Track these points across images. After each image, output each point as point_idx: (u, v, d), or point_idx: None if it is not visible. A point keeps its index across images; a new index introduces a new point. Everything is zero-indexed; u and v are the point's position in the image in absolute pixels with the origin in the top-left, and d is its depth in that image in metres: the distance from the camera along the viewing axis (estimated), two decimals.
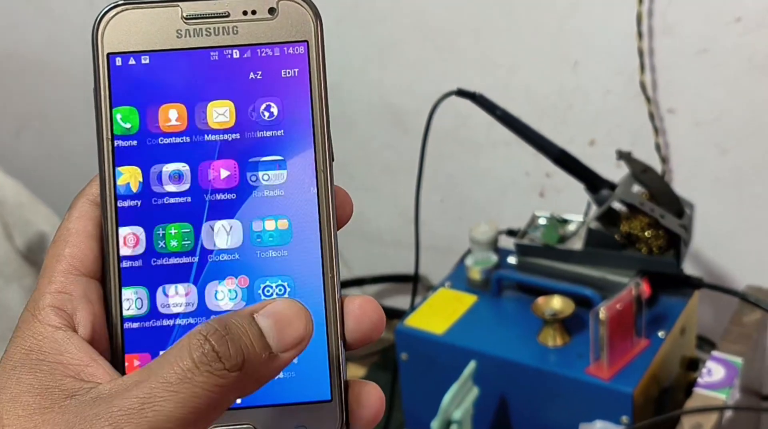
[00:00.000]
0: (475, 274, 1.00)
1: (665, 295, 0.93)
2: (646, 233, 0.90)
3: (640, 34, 1.01)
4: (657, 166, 1.05)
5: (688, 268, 1.05)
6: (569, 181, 0.94)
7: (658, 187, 0.92)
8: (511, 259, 1.00)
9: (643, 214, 0.90)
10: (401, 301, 1.40)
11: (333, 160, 0.34)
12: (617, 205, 0.93)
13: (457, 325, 0.94)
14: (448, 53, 1.18)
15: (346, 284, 1.37)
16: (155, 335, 0.33)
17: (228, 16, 0.34)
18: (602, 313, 0.80)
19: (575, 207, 1.00)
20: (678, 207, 0.92)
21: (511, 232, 1.06)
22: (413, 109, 1.23)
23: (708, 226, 1.04)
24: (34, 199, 1.24)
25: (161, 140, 0.34)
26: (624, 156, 0.93)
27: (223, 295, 0.33)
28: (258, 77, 0.34)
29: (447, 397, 0.82)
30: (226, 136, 0.34)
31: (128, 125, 0.34)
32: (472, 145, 1.22)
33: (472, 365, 0.86)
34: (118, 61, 0.33)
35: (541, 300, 0.90)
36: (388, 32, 1.21)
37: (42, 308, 0.31)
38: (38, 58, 1.60)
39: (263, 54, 0.34)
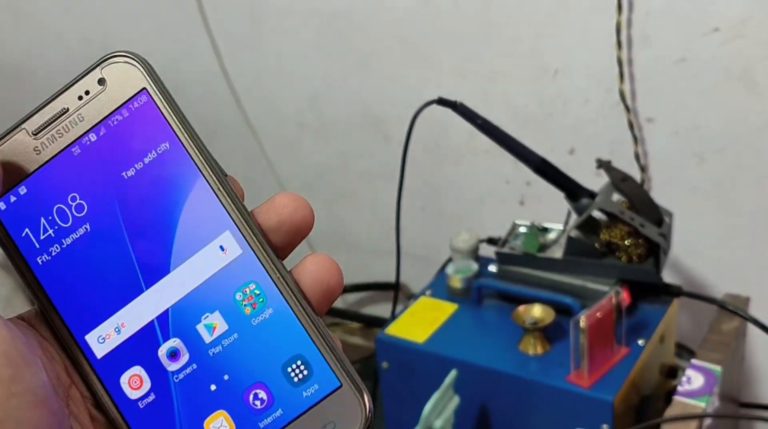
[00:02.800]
0: (456, 282, 1.00)
1: (645, 304, 0.93)
2: (625, 242, 0.90)
3: (619, 44, 1.02)
4: (636, 174, 1.06)
5: (668, 277, 1.05)
6: (549, 189, 0.94)
7: (637, 196, 0.92)
8: (492, 268, 1.00)
9: (623, 222, 0.90)
10: (382, 310, 1.40)
11: (226, 176, 0.35)
12: (597, 214, 0.93)
13: (437, 334, 0.94)
14: (428, 62, 1.18)
15: None
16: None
17: (68, 110, 0.35)
18: (582, 321, 0.80)
19: (555, 216, 1.01)
20: (657, 216, 0.92)
21: (491, 241, 1.06)
22: (394, 118, 1.24)
23: (687, 234, 1.04)
24: None
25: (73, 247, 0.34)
26: (603, 165, 0.94)
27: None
28: (124, 143, 0.35)
29: (428, 406, 0.81)
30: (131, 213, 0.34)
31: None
32: (452, 153, 1.23)
33: (453, 374, 0.86)
34: (2, 206, 0.34)
35: (521, 308, 0.90)
36: (368, 42, 1.21)
37: None
38: (12, 64, 1.59)
39: (115, 122, 0.35)
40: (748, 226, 1.05)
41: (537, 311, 0.89)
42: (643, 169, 1.08)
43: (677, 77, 1.02)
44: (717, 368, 0.86)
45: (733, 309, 0.95)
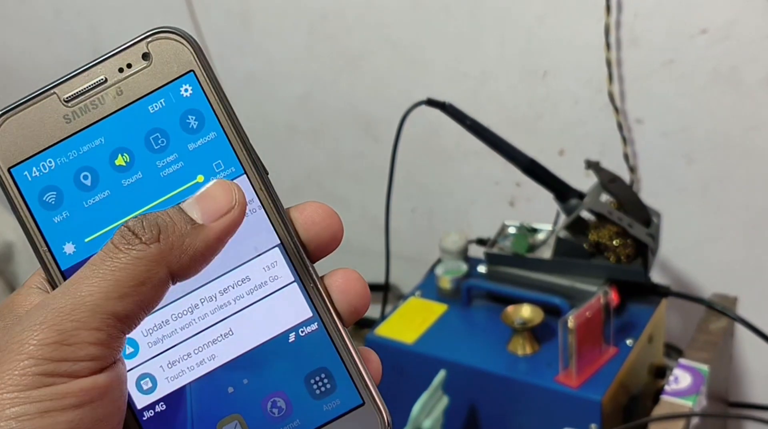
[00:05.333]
0: (446, 283, 1.00)
1: (633, 304, 0.94)
2: (614, 242, 0.90)
3: (608, 45, 1.02)
4: (625, 175, 1.06)
5: (656, 277, 1.06)
6: (539, 190, 0.95)
7: (626, 197, 0.93)
8: (481, 268, 1.01)
9: (612, 223, 0.90)
10: (371, 310, 1.40)
11: (267, 174, 0.33)
12: (586, 215, 0.94)
13: (427, 334, 0.94)
14: (418, 63, 1.19)
15: None
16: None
17: (106, 81, 0.32)
18: (571, 321, 0.81)
19: (545, 216, 1.01)
20: (645, 216, 0.92)
21: (481, 241, 1.06)
22: (383, 119, 1.24)
23: (675, 234, 1.05)
24: (2, 209, 1.22)
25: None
26: (592, 165, 0.94)
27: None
28: (163, 127, 0.32)
29: (417, 407, 0.81)
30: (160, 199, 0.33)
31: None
32: (442, 154, 1.23)
33: (441, 374, 0.86)
34: (21, 172, 0.32)
35: (510, 309, 0.90)
36: (358, 43, 1.21)
37: (29, 283, 0.32)
38: (4, 67, 1.58)
39: (156, 102, 0.32)
40: (736, 226, 1.05)
41: (526, 311, 0.90)
42: (631, 169, 1.08)
43: (666, 78, 1.02)
44: (704, 368, 0.86)
45: (721, 309, 0.95)
